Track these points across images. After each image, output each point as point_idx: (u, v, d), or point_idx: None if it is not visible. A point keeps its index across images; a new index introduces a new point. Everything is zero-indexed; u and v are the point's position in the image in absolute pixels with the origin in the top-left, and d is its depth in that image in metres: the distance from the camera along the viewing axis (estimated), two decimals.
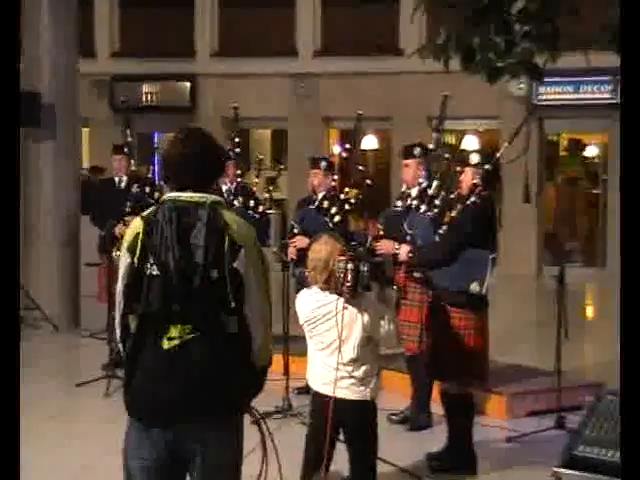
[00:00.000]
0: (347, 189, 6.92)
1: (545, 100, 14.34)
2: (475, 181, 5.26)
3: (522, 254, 14.51)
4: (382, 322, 4.15)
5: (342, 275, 4.04)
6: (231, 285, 2.95)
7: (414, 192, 6.11)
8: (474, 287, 5.16)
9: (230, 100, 8.64)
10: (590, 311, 12.50)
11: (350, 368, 4.15)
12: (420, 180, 6.09)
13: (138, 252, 2.97)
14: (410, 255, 5.62)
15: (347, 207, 6.82)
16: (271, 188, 7.56)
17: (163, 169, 3.13)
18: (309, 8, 15.71)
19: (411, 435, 6.02)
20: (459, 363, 5.18)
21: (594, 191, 15.63)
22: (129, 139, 8.12)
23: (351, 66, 14.97)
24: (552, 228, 15.76)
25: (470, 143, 15.29)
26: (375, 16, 15.35)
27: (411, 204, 6.04)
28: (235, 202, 7.31)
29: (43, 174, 9.65)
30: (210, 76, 15.95)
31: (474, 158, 5.36)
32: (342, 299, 4.07)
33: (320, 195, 6.92)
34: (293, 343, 6.16)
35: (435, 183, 5.89)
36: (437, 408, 5.83)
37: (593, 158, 15.93)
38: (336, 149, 15.80)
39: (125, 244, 3.04)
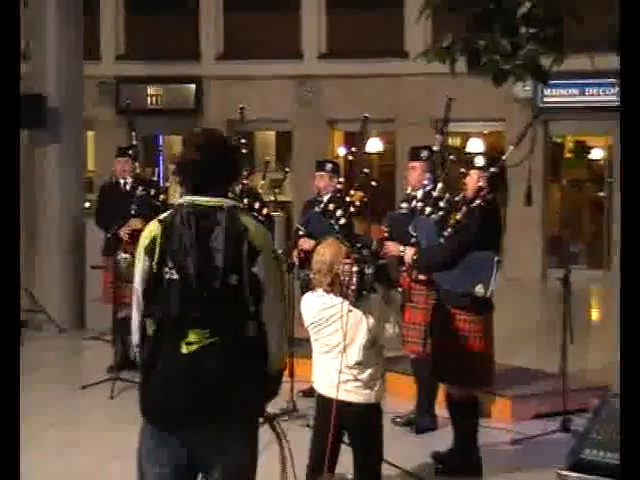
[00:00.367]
0: (352, 192, 6.92)
1: (550, 102, 14.33)
2: (480, 184, 5.26)
3: (527, 257, 14.50)
4: (387, 325, 4.15)
5: (347, 278, 4.04)
6: (250, 289, 2.94)
7: (419, 194, 6.11)
8: (479, 290, 5.16)
9: (235, 102, 8.65)
10: (595, 313, 12.48)
11: (355, 371, 4.14)
12: (425, 182, 6.09)
13: (157, 256, 2.93)
14: (415, 257, 5.62)
15: (352, 210, 6.81)
16: (277, 190, 7.55)
17: (179, 172, 3.07)
18: (313, 11, 15.72)
19: (416, 438, 6.01)
20: (464, 366, 5.17)
21: (599, 193, 15.61)
22: (134, 142, 8.12)
23: (356, 68, 14.98)
24: (557, 230, 15.74)
25: (475, 146, 15.29)
26: (379, 18, 15.36)
27: (416, 206, 6.04)
28: (240, 204, 7.30)
29: (48, 177, 9.66)
30: (215, 78, 15.96)
31: (479, 161, 5.36)
32: (347, 302, 4.07)
33: (325, 198, 6.92)
34: (298, 346, 6.15)
35: (440, 185, 5.88)
36: (442, 411, 5.83)
37: (598, 160, 15.91)
38: (341, 151, 15.80)
39: (142, 248, 2.99)
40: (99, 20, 16.31)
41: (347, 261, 4.06)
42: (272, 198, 7.53)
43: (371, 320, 4.11)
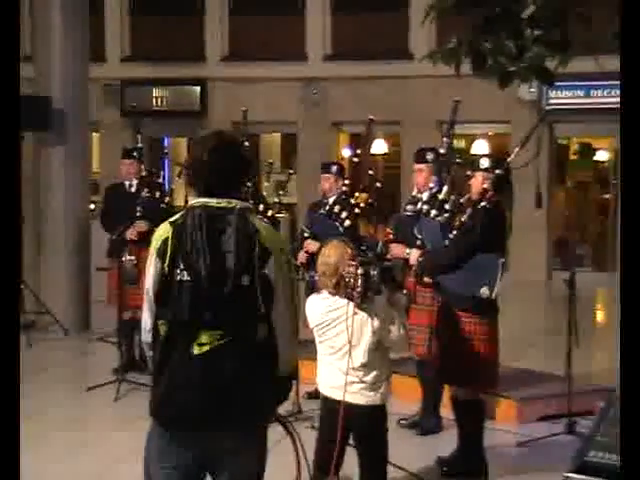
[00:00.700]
0: (357, 194, 6.92)
1: (555, 104, 14.31)
2: (485, 186, 5.25)
3: (532, 259, 14.47)
4: (392, 327, 4.15)
5: (352, 280, 4.04)
6: (261, 291, 2.94)
7: (425, 197, 6.11)
8: (484, 292, 5.16)
9: (240, 104, 8.66)
10: (601, 316, 12.46)
11: (360, 373, 4.14)
12: (431, 185, 6.09)
13: (168, 258, 2.94)
14: (420, 259, 5.62)
15: (357, 211, 6.81)
16: (281, 192, 7.55)
17: (190, 174, 3.09)
18: (319, 13, 15.73)
19: (421, 439, 6.01)
20: (469, 368, 5.17)
21: (604, 195, 15.59)
22: (139, 144, 8.13)
23: (361, 70, 14.98)
24: (562, 233, 15.72)
25: (480, 148, 15.27)
26: (384, 20, 15.36)
27: (421, 209, 6.04)
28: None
29: (54, 179, 9.68)
30: (220, 80, 15.98)
31: (484, 162, 5.36)
32: (352, 304, 4.07)
33: (331, 200, 6.92)
34: (303, 347, 6.10)
35: (445, 188, 5.88)
36: (447, 413, 5.83)
37: (603, 162, 15.89)
38: (346, 152, 15.80)
39: (153, 250, 3.00)
40: (104, 22, 16.34)
41: (352, 263, 4.06)
42: (276, 200, 7.52)
43: (376, 322, 4.11)
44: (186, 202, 10.52)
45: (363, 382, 4.15)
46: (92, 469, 5.43)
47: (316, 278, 4.31)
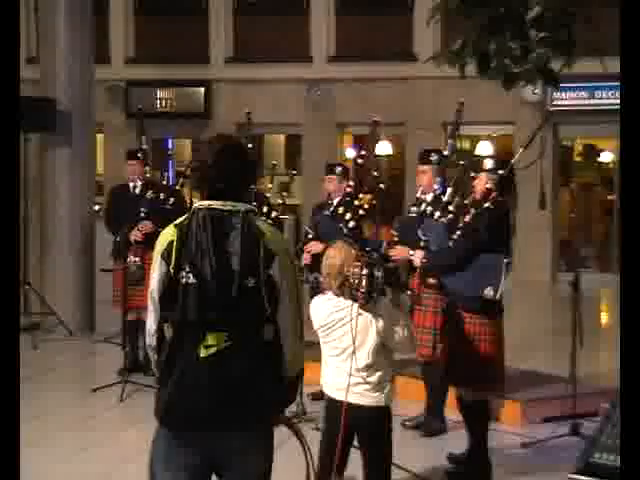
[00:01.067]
0: (361, 195, 6.92)
1: (560, 105, 14.30)
2: (489, 186, 5.25)
3: (537, 260, 14.47)
4: (397, 328, 4.15)
5: (357, 281, 4.04)
6: (266, 293, 2.96)
7: (429, 198, 6.11)
8: (488, 292, 5.16)
9: (244, 106, 8.67)
10: (605, 317, 12.44)
11: (365, 374, 4.15)
12: (435, 186, 6.09)
13: (173, 260, 2.95)
14: (424, 260, 5.62)
15: (361, 213, 6.81)
16: (284, 194, 7.56)
17: (196, 176, 3.11)
18: (323, 14, 15.73)
19: (425, 441, 6.01)
20: (474, 369, 5.17)
21: (609, 197, 15.57)
22: (144, 146, 8.13)
23: (365, 72, 14.98)
24: (567, 234, 15.71)
25: (484, 149, 15.25)
26: (389, 21, 15.36)
27: (425, 210, 6.04)
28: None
29: (59, 180, 9.69)
30: (224, 82, 15.99)
31: (488, 163, 5.36)
32: (357, 305, 4.08)
33: (335, 201, 6.92)
34: (307, 349, 6.13)
35: (449, 189, 5.88)
36: (452, 414, 5.83)
37: (608, 164, 15.87)
38: (349, 152, 15.79)
39: (158, 253, 3.01)
40: (109, 23, 16.37)
41: (357, 264, 4.06)
42: (280, 201, 7.52)
43: (381, 323, 4.12)
44: (191, 204, 10.56)
45: (367, 383, 4.15)
46: (99, 469, 5.44)
47: (320, 279, 4.31)
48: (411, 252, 5.78)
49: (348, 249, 4.16)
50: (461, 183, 5.87)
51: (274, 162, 8.75)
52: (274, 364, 3.04)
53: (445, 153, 6.16)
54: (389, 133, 15.07)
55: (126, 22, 16.68)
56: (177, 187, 7.64)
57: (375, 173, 7.01)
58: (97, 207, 10.67)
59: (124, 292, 7.32)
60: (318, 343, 4.33)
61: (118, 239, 7.64)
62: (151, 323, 3.08)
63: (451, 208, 5.72)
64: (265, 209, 7.27)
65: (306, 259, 6.88)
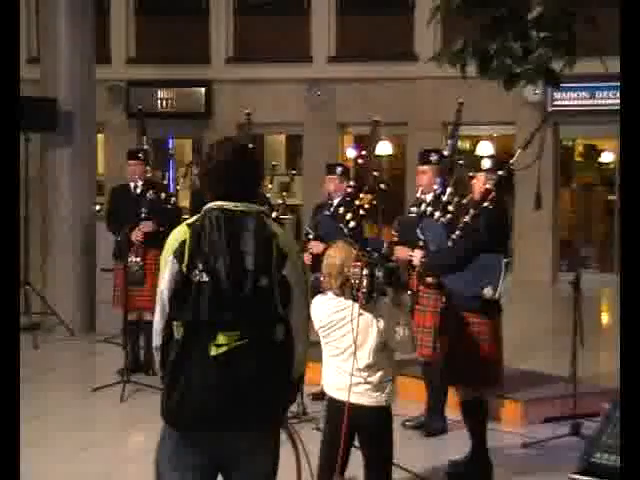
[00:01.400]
0: (361, 195, 6.92)
1: (560, 106, 14.30)
2: (488, 187, 5.26)
3: (537, 260, 14.47)
4: (397, 328, 4.15)
5: (357, 281, 4.04)
6: (279, 292, 2.99)
7: (429, 198, 6.12)
8: (487, 292, 5.16)
9: (245, 106, 8.67)
10: (606, 317, 12.44)
11: (365, 374, 4.15)
12: (435, 186, 6.09)
13: (186, 259, 2.96)
14: (423, 260, 5.62)
15: (362, 213, 6.82)
16: (284, 194, 7.56)
17: (206, 179, 3.12)
18: (324, 14, 15.72)
19: (426, 441, 6.01)
20: (473, 368, 5.17)
21: (609, 197, 15.57)
22: (145, 146, 8.13)
23: (366, 72, 14.97)
24: (568, 234, 15.71)
25: (485, 149, 15.26)
26: (390, 21, 15.35)
27: (425, 210, 6.05)
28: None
29: (60, 180, 9.69)
30: (225, 82, 15.98)
31: (486, 163, 5.36)
32: (357, 305, 4.08)
33: (336, 201, 6.92)
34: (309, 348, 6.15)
35: (449, 189, 5.88)
36: (452, 414, 5.82)
37: (608, 164, 15.87)
38: (350, 152, 15.80)
39: (170, 252, 3.01)
40: (110, 23, 16.37)
41: (357, 264, 4.06)
42: (280, 201, 7.53)
43: (381, 323, 4.12)
44: (190, 204, 10.54)
45: (368, 383, 4.16)
46: (100, 469, 5.44)
47: (321, 279, 4.32)
48: (411, 252, 5.78)
49: (348, 249, 4.16)
50: (460, 183, 5.87)
51: (274, 163, 8.76)
52: (284, 365, 3.07)
53: (445, 153, 6.16)
54: (390, 133, 15.09)
55: (127, 22, 16.67)
56: (178, 187, 7.64)
57: (376, 173, 7.02)
58: (98, 207, 10.68)
59: (125, 292, 7.32)
60: (318, 343, 4.33)
61: (119, 239, 7.64)
62: (158, 323, 3.07)
63: (450, 208, 5.72)
64: (265, 209, 7.25)
65: (306, 259, 6.88)
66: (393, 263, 4.24)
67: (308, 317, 3.18)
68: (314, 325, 4.27)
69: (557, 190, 15.10)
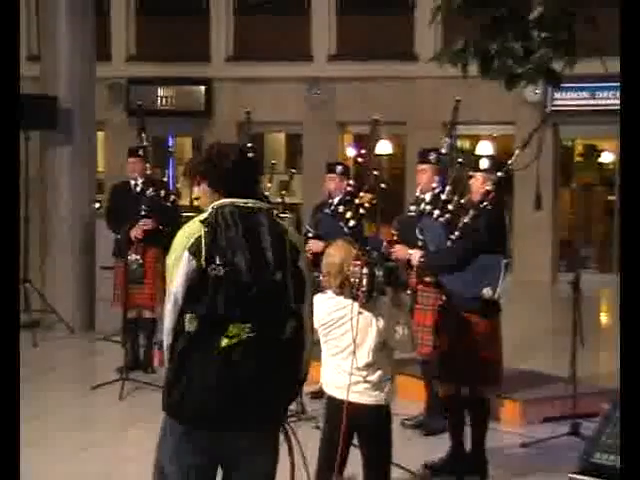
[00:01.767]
0: (361, 194, 6.92)
1: (561, 106, 14.30)
2: (487, 187, 5.25)
3: (537, 260, 14.47)
4: (397, 327, 4.15)
5: (357, 280, 4.04)
6: (294, 287, 3.04)
7: (428, 197, 6.12)
8: (486, 292, 5.16)
9: (245, 104, 8.67)
10: (606, 317, 12.45)
11: (365, 373, 4.15)
12: (434, 185, 6.09)
13: (204, 254, 2.97)
14: (422, 260, 5.62)
15: (361, 212, 6.82)
16: (284, 192, 7.56)
17: (214, 177, 3.15)
18: (324, 13, 15.73)
19: (425, 440, 6.01)
20: (472, 368, 5.17)
21: (609, 197, 15.57)
22: (145, 143, 8.13)
23: (366, 71, 14.97)
24: (567, 234, 15.71)
25: (484, 148, 15.26)
26: (390, 21, 15.35)
27: (424, 209, 6.05)
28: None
29: (60, 178, 9.69)
30: (225, 80, 15.99)
31: (484, 163, 5.36)
32: (357, 303, 4.08)
33: (336, 200, 6.92)
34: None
35: (448, 188, 5.89)
36: None
37: (608, 164, 15.88)
38: (350, 151, 15.80)
39: (184, 249, 3.00)
40: (110, 21, 16.36)
41: (357, 263, 4.06)
42: (279, 200, 7.53)
43: (381, 322, 4.12)
44: (191, 202, 10.53)
45: (368, 382, 4.16)
46: (100, 469, 5.44)
47: (320, 278, 4.32)
48: (410, 252, 5.78)
49: (348, 248, 4.16)
50: (459, 182, 5.87)
51: (273, 161, 8.77)
52: (288, 363, 3.08)
53: (443, 152, 6.16)
54: (389, 132, 15.10)
55: (127, 20, 16.68)
56: (178, 185, 7.65)
57: (375, 172, 7.01)
58: (98, 205, 10.68)
59: (124, 290, 7.32)
60: (318, 342, 4.33)
61: (119, 237, 7.64)
62: (168, 323, 3.06)
63: (450, 207, 5.72)
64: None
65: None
66: (392, 262, 4.24)
67: (312, 314, 3.23)
68: (313, 323, 4.27)
69: (557, 190, 15.10)
